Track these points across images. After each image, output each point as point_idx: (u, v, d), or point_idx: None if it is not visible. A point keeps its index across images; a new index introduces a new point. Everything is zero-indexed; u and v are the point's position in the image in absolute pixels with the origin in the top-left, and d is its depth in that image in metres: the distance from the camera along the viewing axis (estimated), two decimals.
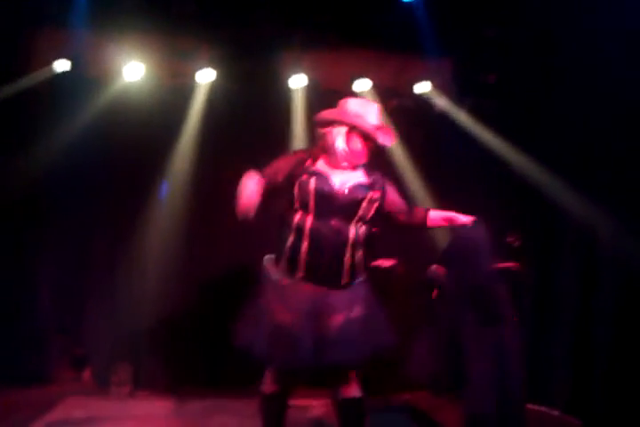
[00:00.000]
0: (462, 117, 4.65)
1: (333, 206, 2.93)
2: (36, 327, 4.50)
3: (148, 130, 4.53)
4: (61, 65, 4.35)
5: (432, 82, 4.59)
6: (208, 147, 4.61)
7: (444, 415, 4.18)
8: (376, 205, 3.03)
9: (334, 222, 2.92)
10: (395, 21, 4.39)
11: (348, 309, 2.95)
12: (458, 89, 4.68)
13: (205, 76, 4.51)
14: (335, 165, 3.01)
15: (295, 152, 3.16)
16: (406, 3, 4.32)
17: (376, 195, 3.02)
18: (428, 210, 3.25)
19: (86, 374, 4.65)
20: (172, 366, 4.59)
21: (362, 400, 3.09)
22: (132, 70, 4.43)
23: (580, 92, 4.21)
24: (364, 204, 2.99)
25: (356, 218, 2.97)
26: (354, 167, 3.03)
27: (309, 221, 2.93)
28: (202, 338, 4.64)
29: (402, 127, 4.67)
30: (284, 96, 4.56)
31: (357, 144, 2.98)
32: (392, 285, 4.66)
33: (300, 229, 2.94)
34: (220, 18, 4.34)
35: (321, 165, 3.03)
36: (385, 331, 3.03)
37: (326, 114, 3.05)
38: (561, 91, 4.40)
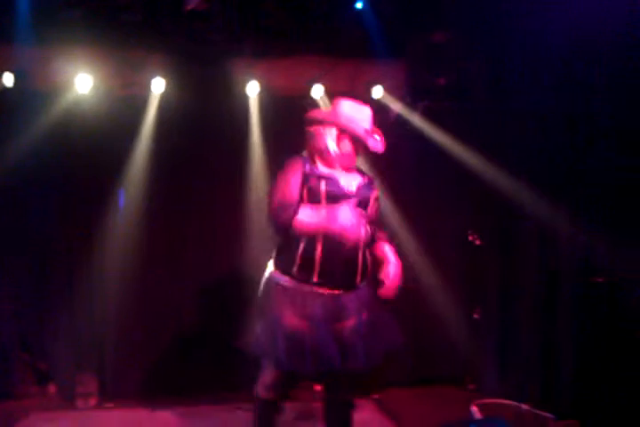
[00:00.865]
0: (416, 120, 4.66)
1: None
2: None
3: (101, 141, 4.46)
4: (7, 79, 4.27)
5: (385, 86, 4.59)
6: (162, 155, 4.57)
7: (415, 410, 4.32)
8: (378, 204, 3.14)
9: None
10: (345, 27, 4.39)
11: (358, 312, 2.99)
12: (411, 92, 4.69)
13: (157, 86, 4.45)
14: (332, 166, 3.03)
15: (292, 162, 3.05)
16: (355, 8, 4.31)
17: (377, 194, 3.11)
18: (382, 236, 3.21)
19: (51, 388, 4.60)
20: (137, 375, 4.57)
21: (353, 403, 3.18)
22: (82, 82, 4.36)
23: (531, 91, 4.28)
24: (372, 202, 3.06)
25: (366, 217, 3.02)
26: (348, 169, 3.05)
27: None
28: (167, 345, 4.63)
29: None
30: (238, 104, 4.52)
31: (347, 147, 3.00)
32: None
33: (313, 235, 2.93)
34: (169, 26, 4.27)
35: (322, 167, 3.03)
36: (393, 332, 3.09)
37: (319, 113, 3.11)
38: (512, 90, 4.46)
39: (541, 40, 4.05)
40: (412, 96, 4.68)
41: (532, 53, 4.19)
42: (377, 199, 3.12)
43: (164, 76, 4.46)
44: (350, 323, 2.96)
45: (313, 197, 2.94)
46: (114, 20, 4.20)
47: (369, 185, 3.08)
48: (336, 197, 2.93)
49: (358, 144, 3.02)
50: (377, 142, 3.03)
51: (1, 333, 4.47)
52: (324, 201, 2.93)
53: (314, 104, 4.61)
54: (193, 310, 4.67)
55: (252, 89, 4.53)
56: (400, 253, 4.54)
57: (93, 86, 4.41)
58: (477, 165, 4.53)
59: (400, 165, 4.79)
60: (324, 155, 3.01)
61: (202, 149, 4.58)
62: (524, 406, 4.07)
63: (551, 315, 4.26)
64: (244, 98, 4.56)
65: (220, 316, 4.57)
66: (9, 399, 4.42)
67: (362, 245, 2.96)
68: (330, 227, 2.87)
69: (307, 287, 2.94)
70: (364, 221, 2.99)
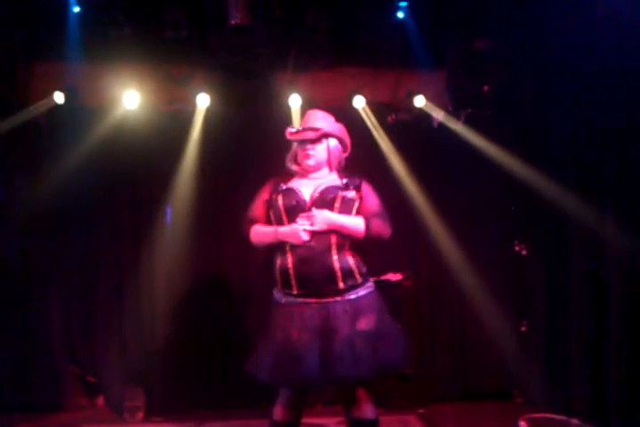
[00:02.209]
0: (459, 129, 4.64)
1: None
2: (49, 356, 4.54)
3: (148, 157, 4.59)
4: (58, 97, 4.40)
5: (426, 95, 4.60)
6: (208, 170, 4.63)
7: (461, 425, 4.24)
8: (354, 204, 3.07)
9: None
10: (386, 37, 4.43)
11: (352, 321, 2.94)
12: (453, 101, 4.69)
13: (202, 101, 4.54)
14: (305, 172, 3.15)
15: (267, 183, 3.23)
16: (397, 18, 4.35)
17: (350, 193, 3.06)
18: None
19: (99, 401, 4.66)
20: (184, 389, 4.60)
21: (375, 423, 3.07)
22: (130, 99, 4.46)
23: (574, 99, 4.23)
24: (338, 203, 3.03)
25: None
26: (321, 170, 3.14)
27: None
28: (214, 360, 4.65)
29: (400, 141, 4.72)
30: (281, 117, 4.57)
31: (304, 153, 3.14)
32: (399, 298, 4.67)
33: (282, 248, 3.01)
34: (213, 42, 4.37)
35: (294, 180, 3.15)
36: (396, 347, 2.99)
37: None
38: (554, 98, 4.42)
39: (585, 47, 4.01)
40: (454, 104, 4.67)
41: (576, 61, 4.14)
42: (352, 199, 3.06)
43: (208, 92, 4.54)
44: (341, 331, 2.91)
45: (275, 211, 3.08)
46: (160, 37, 4.33)
47: (340, 186, 3.08)
48: (292, 208, 3.02)
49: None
50: (289, 132, 3.17)
51: (51, 346, 4.57)
52: (284, 214, 3.04)
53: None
54: (241, 325, 4.67)
55: (295, 102, 4.57)
56: (443, 264, 4.68)
57: (140, 102, 4.52)
58: (522, 173, 4.45)
59: (443, 173, 4.80)
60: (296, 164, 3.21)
61: (247, 163, 4.63)
62: (574, 421, 3.99)
63: (600, 327, 4.14)
64: (288, 111, 4.61)
65: None
66: (59, 412, 4.50)
67: (334, 247, 2.96)
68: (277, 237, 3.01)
69: (292, 300, 2.98)
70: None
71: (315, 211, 2.96)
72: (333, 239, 2.98)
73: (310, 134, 3.11)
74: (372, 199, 3.12)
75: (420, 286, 4.82)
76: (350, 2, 4.25)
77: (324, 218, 2.95)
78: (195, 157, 4.60)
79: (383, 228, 3.07)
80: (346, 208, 3.05)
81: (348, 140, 3.24)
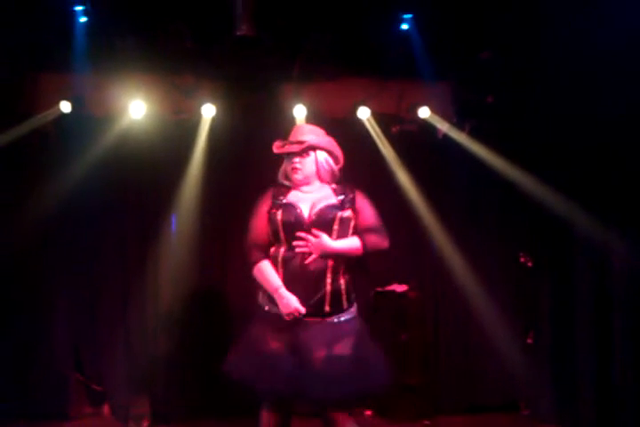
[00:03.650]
0: (464, 140, 4.65)
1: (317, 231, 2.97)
2: (54, 364, 4.53)
3: (153, 166, 4.60)
4: (65, 106, 4.43)
5: (431, 106, 4.61)
6: (213, 179, 4.65)
7: None
8: (351, 223, 3.04)
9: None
10: (391, 48, 4.44)
11: (331, 345, 2.91)
12: (457, 112, 4.69)
13: (207, 111, 4.56)
14: (298, 185, 3.11)
15: (263, 194, 3.18)
16: (401, 30, 4.36)
17: (346, 213, 3.03)
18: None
19: (105, 409, 4.66)
20: (190, 397, 4.58)
21: None
22: (136, 108, 4.49)
23: (578, 110, 4.22)
24: (336, 225, 3.00)
25: (336, 237, 2.98)
26: (312, 184, 3.11)
27: (282, 251, 2.99)
28: (219, 368, 4.61)
29: (405, 152, 4.72)
30: (286, 127, 4.57)
31: (295, 168, 3.11)
32: (405, 309, 4.66)
33: (275, 261, 2.99)
34: (219, 53, 4.40)
35: (292, 194, 3.11)
36: (376, 373, 2.95)
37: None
38: (559, 108, 4.41)
39: (590, 58, 4.02)
40: (458, 115, 4.68)
41: (581, 71, 4.14)
42: (349, 218, 3.02)
43: (214, 102, 4.57)
44: (318, 355, 2.87)
45: (273, 226, 3.02)
46: (166, 48, 4.36)
47: (337, 205, 3.04)
48: (291, 225, 2.98)
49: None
50: (275, 146, 3.16)
51: (57, 354, 4.56)
52: (281, 230, 2.99)
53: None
54: None
55: (300, 112, 4.59)
56: (448, 276, 4.66)
57: (146, 112, 4.55)
58: (527, 185, 4.45)
59: (448, 184, 4.80)
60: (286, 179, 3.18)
61: (251, 172, 4.63)
62: None
63: (607, 339, 4.12)
64: (292, 121, 4.62)
65: None
66: (64, 420, 4.49)
67: (330, 270, 2.94)
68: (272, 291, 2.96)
69: (275, 310, 2.96)
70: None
71: (312, 239, 2.94)
72: (330, 262, 2.95)
73: (295, 147, 3.10)
74: (367, 212, 3.07)
75: (426, 297, 4.80)
76: (355, 13, 4.27)
77: (321, 247, 2.93)
78: (200, 166, 4.62)
79: (379, 241, 3.03)
80: (344, 228, 3.02)
81: (338, 153, 3.18)
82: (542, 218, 4.51)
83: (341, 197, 3.07)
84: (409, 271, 4.81)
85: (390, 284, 4.72)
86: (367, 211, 3.07)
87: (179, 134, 4.65)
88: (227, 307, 4.68)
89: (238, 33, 4.07)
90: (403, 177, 4.68)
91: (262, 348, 2.93)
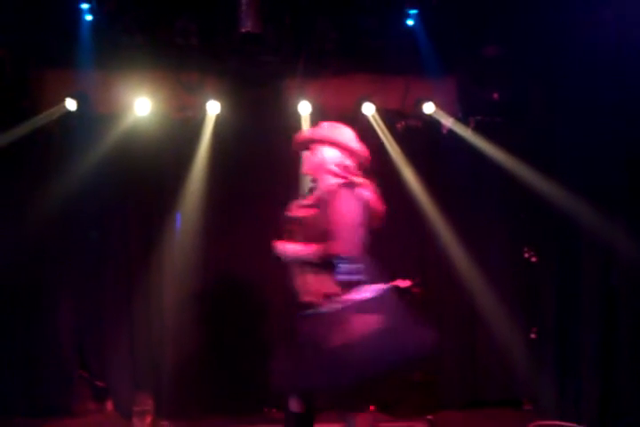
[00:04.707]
0: (469, 136, 4.65)
1: (288, 230, 3.05)
2: (58, 361, 4.57)
3: (159, 162, 4.62)
4: (70, 104, 4.44)
5: (436, 102, 4.61)
6: (218, 176, 4.66)
7: None
8: (318, 223, 2.95)
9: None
10: (396, 44, 4.43)
11: (313, 338, 2.91)
12: (462, 108, 4.69)
13: (212, 108, 4.56)
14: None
15: None
16: (407, 25, 4.35)
17: (311, 213, 3.00)
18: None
19: (108, 406, 4.68)
20: (193, 394, 4.61)
21: None
22: (141, 106, 4.50)
23: (584, 106, 4.22)
24: (297, 226, 3.03)
25: (302, 238, 2.99)
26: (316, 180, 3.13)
27: None
28: (222, 365, 4.66)
29: (410, 148, 4.72)
30: (291, 124, 4.59)
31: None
32: (409, 305, 4.66)
33: None
34: (224, 50, 4.39)
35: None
36: (354, 364, 2.87)
37: None
38: (565, 105, 4.41)
39: (596, 54, 4.01)
40: (463, 111, 4.68)
41: (587, 68, 4.13)
42: (315, 217, 2.98)
43: (218, 99, 4.57)
44: (309, 348, 2.91)
45: None
46: (171, 45, 4.36)
47: (308, 204, 3.07)
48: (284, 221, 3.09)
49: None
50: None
51: (61, 350, 4.59)
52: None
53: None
54: (251, 331, 4.69)
55: (304, 108, 4.59)
56: (452, 271, 4.67)
57: (151, 109, 4.56)
58: (531, 180, 4.45)
59: (452, 180, 4.80)
60: None
61: (257, 169, 4.65)
62: None
63: (611, 334, 4.13)
64: (297, 117, 4.63)
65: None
66: (67, 416, 4.53)
67: (297, 267, 3.00)
68: None
69: None
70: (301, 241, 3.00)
71: (273, 244, 3.03)
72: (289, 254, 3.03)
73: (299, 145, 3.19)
74: (332, 215, 2.91)
75: (430, 293, 4.80)
76: (360, 9, 4.26)
77: (279, 251, 3.03)
78: (205, 162, 4.64)
79: (337, 248, 2.87)
80: (308, 229, 2.99)
81: (343, 145, 3.07)
82: (547, 213, 4.51)
83: (315, 196, 3.07)
84: (413, 267, 4.81)
85: (394, 279, 4.72)
86: (334, 214, 2.91)
87: (184, 131, 4.66)
88: (231, 304, 4.70)
89: (243, 29, 4.06)
90: (407, 173, 4.68)
91: None
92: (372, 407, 4.66)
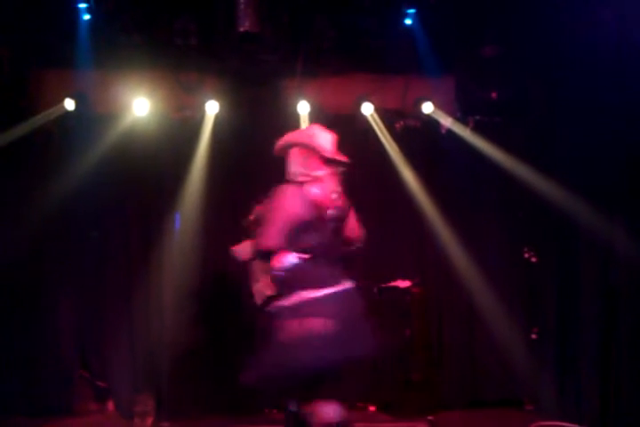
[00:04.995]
0: (467, 135, 4.64)
1: (249, 232, 3.21)
2: (59, 361, 4.57)
3: (157, 162, 4.61)
4: (69, 104, 4.45)
5: (435, 101, 4.61)
6: (217, 176, 4.66)
7: None
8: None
9: None
10: (395, 43, 4.43)
11: (273, 334, 2.98)
12: (461, 107, 4.69)
13: (211, 108, 4.56)
14: None
15: None
16: (405, 25, 4.35)
17: (258, 213, 3.18)
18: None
19: (109, 406, 4.68)
20: (194, 395, 4.61)
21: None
22: (140, 106, 4.50)
23: (583, 106, 4.21)
24: (252, 225, 3.19)
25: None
26: None
27: None
28: (223, 366, 4.64)
29: (408, 147, 4.72)
30: (289, 123, 4.58)
31: None
32: (408, 305, 4.66)
33: None
34: (222, 49, 4.40)
35: None
36: (304, 358, 2.89)
37: None
38: (564, 104, 4.40)
39: (595, 53, 4.01)
40: (462, 111, 4.68)
41: (586, 67, 4.13)
42: (257, 218, 3.15)
43: (217, 98, 4.57)
44: (267, 344, 3.03)
45: None
46: (169, 45, 4.36)
47: (260, 206, 3.17)
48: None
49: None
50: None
51: (62, 351, 4.60)
52: None
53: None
54: (251, 332, 4.67)
55: (303, 108, 4.59)
56: (452, 271, 4.66)
57: (150, 109, 4.56)
58: (531, 180, 4.45)
59: (451, 179, 4.79)
60: None
61: (256, 169, 4.63)
62: None
63: (611, 334, 4.12)
64: (296, 117, 4.62)
65: None
66: (68, 416, 4.52)
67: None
68: None
69: None
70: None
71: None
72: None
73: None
74: (270, 212, 2.98)
75: (429, 293, 4.80)
76: (358, 8, 4.26)
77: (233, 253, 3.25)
78: (204, 162, 4.64)
79: (262, 242, 2.95)
80: (259, 228, 3.04)
81: (306, 142, 3.08)
82: (546, 213, 4.51)
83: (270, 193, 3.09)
84: (412, 267, 4.81)
85: (394, 280, 4.72)
86: (270, 211, 2.97)
87: (182, 131, 4.66)
88: (231, 304, 4.68)
89: (241, 29, 4.07)
90: (406, 172, 4.68)
91: None
92: (373, 408, 4.68)
